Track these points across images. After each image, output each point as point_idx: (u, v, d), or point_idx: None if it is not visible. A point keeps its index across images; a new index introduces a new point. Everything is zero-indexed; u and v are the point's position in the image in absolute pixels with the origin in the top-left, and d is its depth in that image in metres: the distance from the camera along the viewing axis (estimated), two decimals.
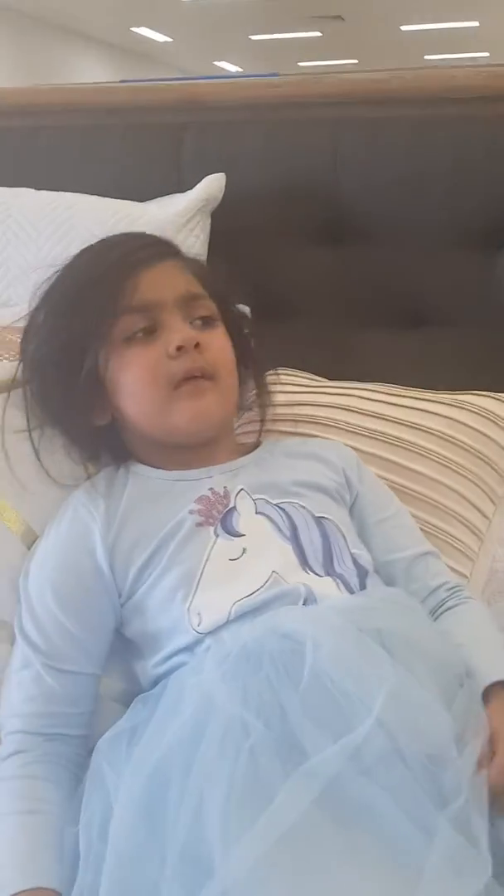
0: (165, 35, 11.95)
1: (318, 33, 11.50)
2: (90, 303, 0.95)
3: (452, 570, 1.05)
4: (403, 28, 11.11)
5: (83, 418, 0.99)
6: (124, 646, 0.94)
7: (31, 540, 0.97)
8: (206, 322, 0.98)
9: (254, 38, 11.79)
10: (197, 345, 0.94)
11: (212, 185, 1.32)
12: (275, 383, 1.13)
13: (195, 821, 0.68)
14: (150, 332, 0.95)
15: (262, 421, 1.08)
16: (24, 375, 1.00)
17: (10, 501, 0.97)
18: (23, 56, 10.40)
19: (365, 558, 0.94)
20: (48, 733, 0.88)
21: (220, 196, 1.33)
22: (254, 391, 1.09)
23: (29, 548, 0.97)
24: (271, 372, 1.17)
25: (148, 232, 1.23)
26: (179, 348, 0.93)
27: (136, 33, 11.72)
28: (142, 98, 1.49)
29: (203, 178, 1.33)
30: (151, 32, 11.75)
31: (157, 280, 0.96)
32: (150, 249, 1.00)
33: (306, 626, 0.78)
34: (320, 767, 0.67)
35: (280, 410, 1.13)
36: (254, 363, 1.08)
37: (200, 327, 0.98)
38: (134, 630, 0.92)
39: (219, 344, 0.98)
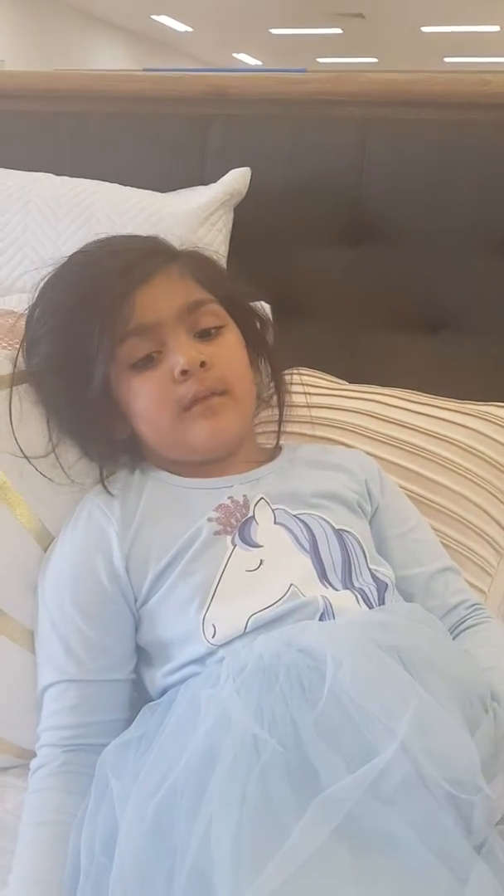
0: (185, 24, 11.89)
1: (338, 30, 11.45)
2: (89, 324, 0.91)
3: (470, 584, 1.03)
4: (424, 29, 11.05)
5: (100, 433, 0.96)
6: None
7: (46, 542, 0.95)
8: (212, 331, 0.95)
9: (274, 31, 11.73)
10: (203, 364, 0.91)
11: (237, 179, 1.30)
12: (294, 383, 1.11)
13: (205, 845, 0.65)
14: (155, 353, 0.92)
15: (280, 421, 1.05)
16: (32, 380, 0.97)
17: (23, 496, 0.95)
18: (42, 39, 10.35)
19: (384, 573, 0.91)
20: (73, 745, 0.86)
21: (245, 191, 1.30)
22: (272, 389, 1.06)
23: (45, 550, 0.95)
24: (291, 371, 1.15)
25: (169, 224, 1.23)
26: (184, 372, 0.90)
27: (156, 21, 11.66)
28: (167, 88, 1.46)
29: (226, 171, 1.31)
30: (172, 21, 11.69)
31: (154, 297, 0.92)
32: (146, 263, 0.94)
33: (325, 642, 0.75)
34: (339, 795, 0.64)
35: (298, 412, 1.10)
36: (272, 359, 1.05)
37: (206, 338, 0.94)
38: (145, 638, 0.90)
39: (227, 354, 0.95)
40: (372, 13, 10.39)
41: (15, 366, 0.97)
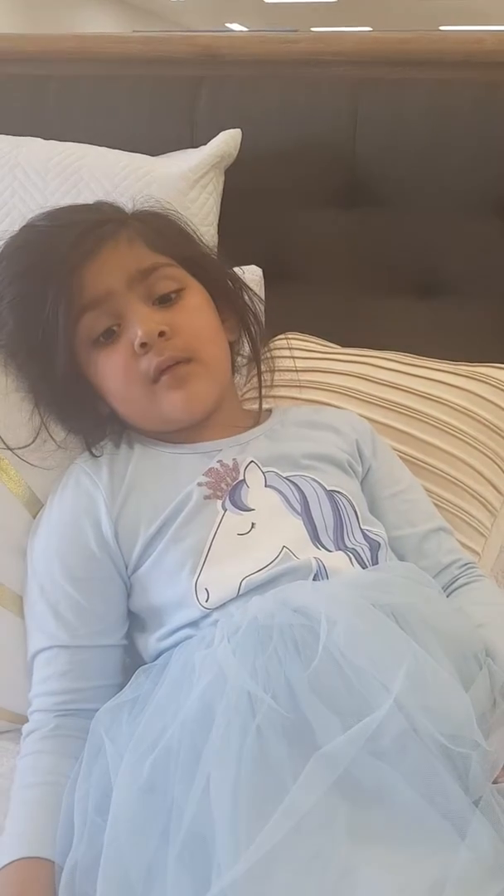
0: None
1: None
2: (44, 307, 0.89)
3: (464, 545, 1.03)
4: None
5: (80, 411, 0.95)
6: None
7: (35, 508, 0.94)
8: (171, 296, 0.93)
9: (268, 0, 11.60)
10: (162, 333, 0.89)
11: (227, 141, 1.27)
12: (284, 348, 1.09)
13: (203, 805, 0.65)
14: (115, 326, 0.90)
15: (260, 384, 1.03)
16: (5, 357, 0.96)
17: (12, 462, 0.94)
18: (30, 6, 10.21)
19: (376, 532, 0.91)
20: (65, 709, 0.86)
21: (235, 153, 1.28)
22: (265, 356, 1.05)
23: (34, 516, 0.94)
24: (280, 336, 1.14)
25: (160, 187, 1.21)
26: (144, 345, 0.88)
27: None
28: (156, 49, 1.44)
29: (217, 134, 1.28)
30: None
31: (102, 268, 0.90)
32: (93, 234, 0.92)
33: (319, 601, 0.75)
34: (336, 752, 0.64)
35: (289, 376, 1.10)
36: (244, 318, 1.02)
37: (165, 304, 0.92)
38: (138, 603, 0.89)
39: (188, 319, 0.92)
40: None
41: None
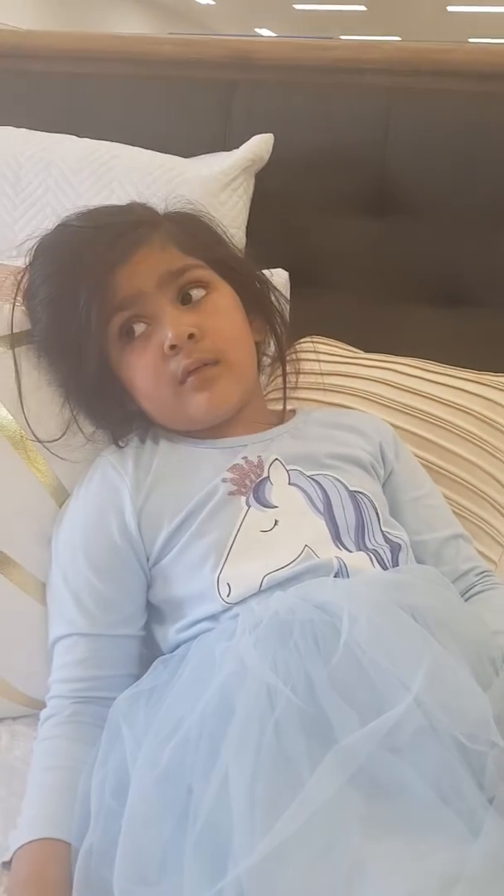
0: None
1: (362, 7, 11.33)
2: (78, 306, 0.91)
3: (481, 554, 1.03)
4: (450, 8, 10.94)
5: (108, 407, 0.96)
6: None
7: (61, 496, 0.96)
8: (200, 297, 0.94)
9: (298, 7, 11.63)
10: (191, 336, 0.90)
11: (259, 145, 1.28)
12: (310, 351, 1.10)
13: (220, 794, 0.66)
14: (145, 323, 0.92)
15: (284, 384, 1.05)
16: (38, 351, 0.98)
17: (41, 451, 0.95)
18: (63, 9, 10.28)
19: (396, 535, 0.92)
20: (82, 696, 0.87)
21: (267, 157, 1.29)
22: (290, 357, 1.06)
23: (59, 504, 0.95)
24: (306, 339, 1.15)
25: (191, 188, 1.22)
26: (173, 347, 0.90)
27: None
28: (192, 52, 1.45)
29: (250, 137, 1.29)
30: None
31: (133, 271, 0.92)
32: (128, 237, 0.93)
33: (341, 598, 0.76)
34: (353, 747, 0.65)
35: (313, 379, 1.10)
36: (271, 321, 1.04)
37: (193, 304, 0.93)
38: (158, 596, 0.90)
39: (217, 321, 0.93)
40: None
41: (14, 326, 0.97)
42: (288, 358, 1.05)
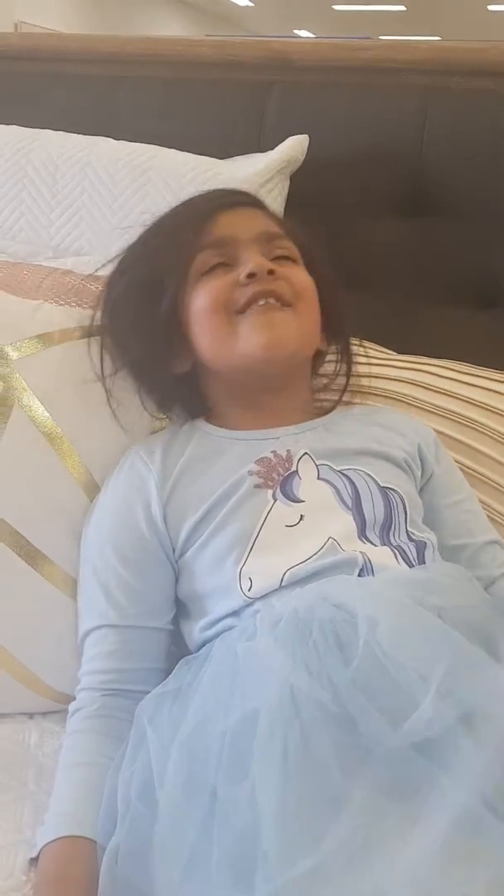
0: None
1: (402, 7, 11.28)
2: (168, 244, 0.95)
3: None
4: (491, 8, 10.85)
5: (163, 364, 0.97)
6: None
7: (93, 493, 0.97)
8: (287, 259, 0.96)
9: (337, 7, 11.61)
10: (271, 271, 0.91)
11: (294, 146, 1.28)
12: (357, 353, 1.10)
13: (248, 799, 0.66)
14: (226, 265, 0.94)
15: (346, 387, 1.06)
16: (103, 319, 0.99)
17: (75, 447, 0.97)
18: (102, 11, 10.34)
19: (421, 535, 0.90)
20: (111, 689, 0.87)
21: (302, 158, 1.29)
22: (332, 359, 1.06)
23: (91, 500, 0.96)
24: (355, 341, 1.15)
25: None
26: (251, 275, 0.91)
27: None
28: (228, 53, 1.45)
29: (285, 138, 1.29)
30: None
31: (234, 220, 0.96)
32: (232, 197, 1.00)
33: (361, 597, 0.75)
34: (391, 753, 0.64)
35: (344, 380, 1.10)
36: (344, 324, 1.06)
37: (280, 262, 0.95)
38: (183, 590, 0.91)
39: (299, 276, 0.95)
40: None
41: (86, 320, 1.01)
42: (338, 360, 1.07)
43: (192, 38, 1.57)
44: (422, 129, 1.32)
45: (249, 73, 1.41)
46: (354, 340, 1.13)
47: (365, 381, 1.10)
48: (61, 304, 1.01)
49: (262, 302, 0.91)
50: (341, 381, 1.08)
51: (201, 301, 0.94)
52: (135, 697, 0.85)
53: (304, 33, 13.72)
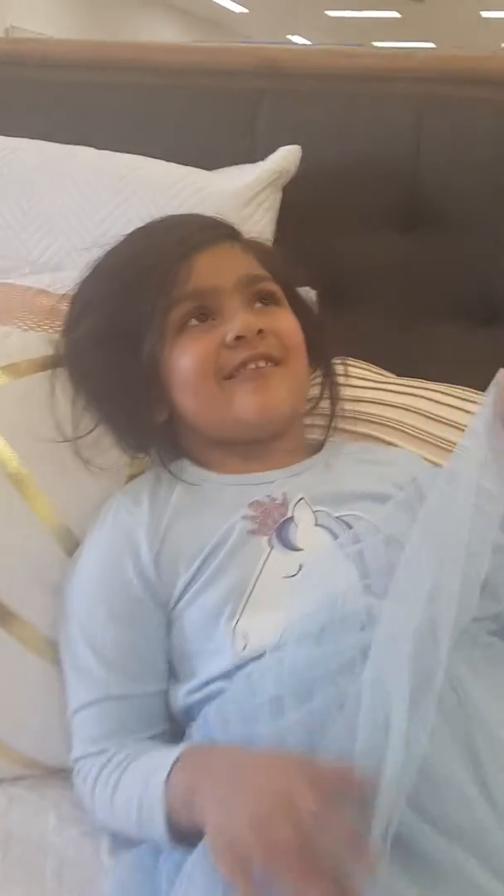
0: (242, 5, 11.78)
1: (396, 14, 11.27)
2: (144, 290, 0.87)
3: None
4: (484, 14, 10.84)
5: (139, 416, 0.91)
6: None
7: (66, 540, 0.89)
8: (271, 302, 0.91)
9: (330, 14, 11.59)
10: (260, 331, 0.86)
11: (286, 157, 1.23)
12: (342, 375, 1.05)
13: None
14: (208, 319, 0.87)
15: (332, 416, 1.00)
16: (67, 362, 0.93)
17: (44, 489, 0.89)
18: (94, 17, 10.30)
19: None
20: (117, 763, 0.80)
21: (294, 170, 1.24)
22: (319, 381, 1.01)
23: (65, 549, 0.89)
24: (338, 361, 1.09)
25: (215, 203, 1.17)
26: (239, 338, 0.85)
27: (213, 1, 11.56)
28: (217, 60, 1.41)
29: (276, 149, 1.24)
30: (228, 2, 11.59)
31: (213, 263, 0.89)
32: (207, 232, 0.92)
33: (367, 658, 0.69)
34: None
35: (341, 405, 1.04)
36: (323, 352, 1.00)
37: (264, 310, 0.89)
38: (173, 647, 0.84)
39: (287, 324, 0.90)
40: None
41: (56, 348, 0.94)
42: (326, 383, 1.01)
43: (179, 43, 1.51)
44: (418, 139, 1.27)
45: (239, 80, 1.37)
46: (340, 361, 1.08)
47: (363, 406, 1.04)
48: (32, 329, 0.94)
49: (252, 366, 0.87)
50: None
51: (185, 363, 0.87)
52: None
53: (298, 39, 13.73)
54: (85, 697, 0.83)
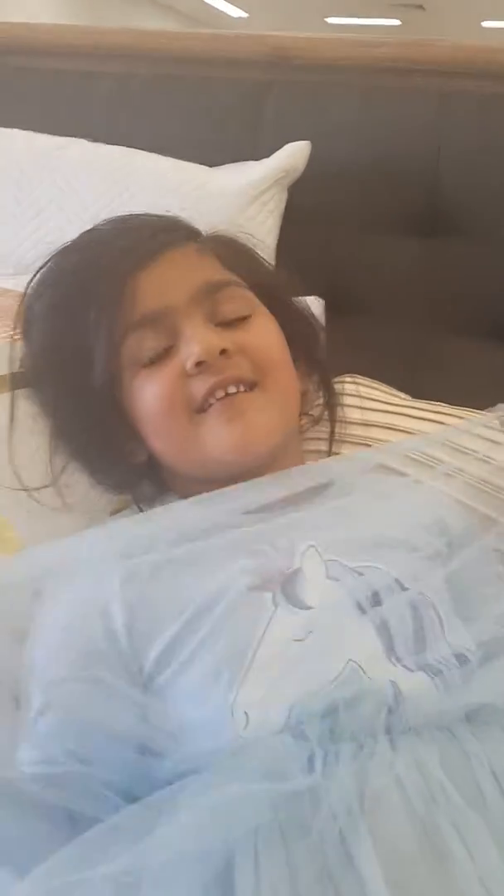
0: (241, 10, 11.74)
1: (396, 21, 11.24)
2: (87, 317, 0.76)
3: None
4: (484, 24, 10.81)
5: (111, 455, 0.80)
6: None
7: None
8: (239, 311, 0.79)
9: (330, 21, 11.55)
10: (223, 351, 0.74)
11: (294, 154, 1.15)
12: (347, 394, 0.94)
13: None
14: (164, 343, 0.76)
15: (331, 440, 0.88)
16: (30, 377, 0.82)
17: (22, 536, 0.78)
18: (88, 14, 10.25)
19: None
20: None
21: (302, 168, 1.16)
22: (319, 402, 0.90)
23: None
24: (343, 378, 0.98)
25: (215, 202, 1.09)
26: (199, 364, 0.73)
27: (210, 5, 11.52)
28: (221, 49, 1.32)
29: (282, 145, 1.16)
30: (227, 6, 11.54)
31: (162, 278, 0.77)
32: (156, 239, 0.79)
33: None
34: None
35: (351, 430, 0.93)
36: (319, 365, 0.89)
37: (230, 324, 0.78)
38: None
39: (257, 339, 0.78)
40: (432, 5, 10.18)
41: (16, 363, 0.82)
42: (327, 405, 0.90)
43: (181, 31, 1.42)
44: (437, 137, 1.19)
45: (244, 70, 1.29)
46: (345, 379, 0.98)
47: (375, 432, 0.93)
48: (8, 338, 0.83)
49: (220, 395, 0.75)
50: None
51: (149, 402, 0.76)
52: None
53: None
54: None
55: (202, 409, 0.75)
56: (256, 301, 0.81)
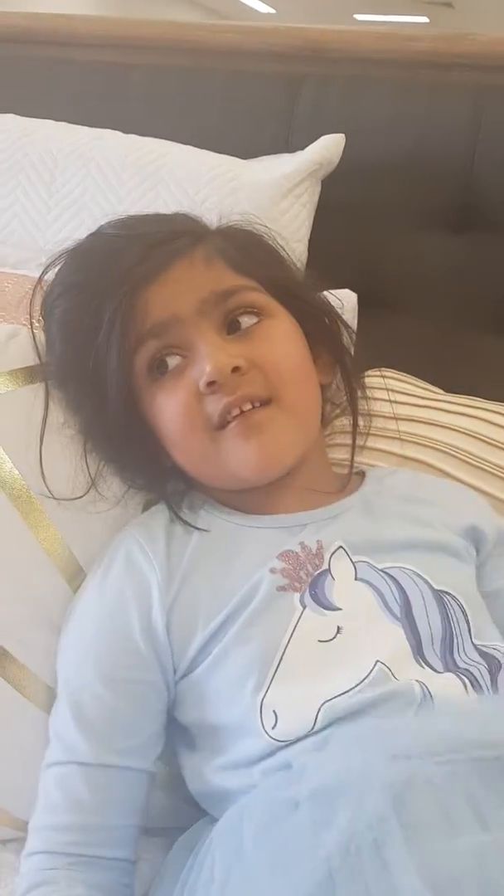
0: (269, 6, 11.70)
1: (425, 19, 11.17)
2: (98, 331, 0.75)
3: None
4: None
5: (139, 458, 0.80)
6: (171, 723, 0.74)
7: (71, 574, 0.78)
8: (253, 316, 0.77)
9: (359, 17, 11.49)
10: (236, 368, 0.73)
11: (328, 147, 1.13)
12: (377, 387, 0.93)
13: None
14: (180, 355, 0.76)
15: (354, 440, 0.87)
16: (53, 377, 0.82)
17: (50, 515, 0.78)
18: (120, 9, 10.25)
19: (493, 646, 0.72)
20: (78, 855, 0.68)
21: (336, 161, 1.14)
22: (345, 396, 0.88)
23: (69, 583, 0.77)
24: (375, 372, 0.97)
25: (247, 194, 1.08)
26: (211, 384, 0.73)
27: (240, 1, 11.49)
28: (256, 41, 1.31)
29: (315, 139, 1.15)
30: (255, 1, 11.51)
31: (171, 289, 0.76)
32: (164, 249, 0.77)
33: (427, 755, 0.57)
34: None
35: (383, 424, 0.93)
36: (344, 357, 0.87)
37: (241, 332, 0.77)
38: (189, 717, 0.72)
39: (270, 350, 0.76)
40: (460, 2, 10.10)
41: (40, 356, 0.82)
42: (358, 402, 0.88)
43: (216, 23, 1.41)
44: (475, 132, 1.17)
45: (279, 63, 1.27)
46: (377, 372, 0.96)
47: (410, 426, 0.92)
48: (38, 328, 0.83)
49: (235, 413, 0.74)
50: (380, 422, 0.90)
51: (168, 420, 0.76)
52: (108, 867, 0.67)
53: None
54: (54, 756, 0.71)
55: (221, 426, 0.74)
56: (270, 301, 0.80)
